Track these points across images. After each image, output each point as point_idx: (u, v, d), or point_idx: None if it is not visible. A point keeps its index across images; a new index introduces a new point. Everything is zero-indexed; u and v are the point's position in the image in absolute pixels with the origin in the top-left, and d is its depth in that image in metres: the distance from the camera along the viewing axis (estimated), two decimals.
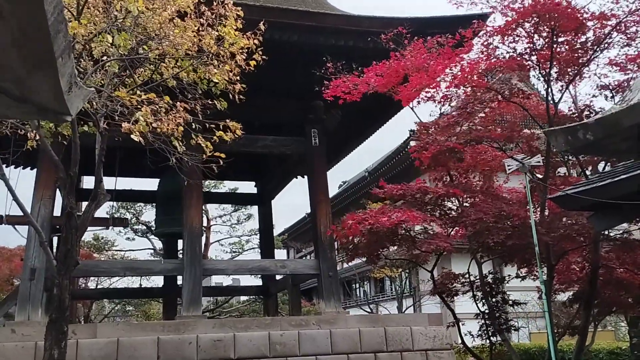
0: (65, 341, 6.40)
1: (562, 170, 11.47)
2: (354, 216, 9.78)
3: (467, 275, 11.73)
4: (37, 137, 6.14)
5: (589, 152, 7.49)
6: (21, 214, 7.53)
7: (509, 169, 8.17)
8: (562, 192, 6.19)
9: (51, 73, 2.37)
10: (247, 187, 30.30)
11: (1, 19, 2.04)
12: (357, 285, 33.68)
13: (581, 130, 5.16)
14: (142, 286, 24.20)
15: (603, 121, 5.07)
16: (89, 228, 17.03)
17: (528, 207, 8.09)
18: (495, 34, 8.64)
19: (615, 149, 5.69)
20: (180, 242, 16.64)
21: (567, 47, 8.77)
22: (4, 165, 7.92)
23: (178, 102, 6.65)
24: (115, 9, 5.88)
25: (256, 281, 25.24)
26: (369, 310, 26.48)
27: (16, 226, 11.04)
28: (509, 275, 12.16)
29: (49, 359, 6.31)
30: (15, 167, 13.09)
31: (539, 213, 9.80)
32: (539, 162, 8.05)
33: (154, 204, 21.23)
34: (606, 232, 10.12)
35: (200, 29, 6.75)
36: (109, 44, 6.12)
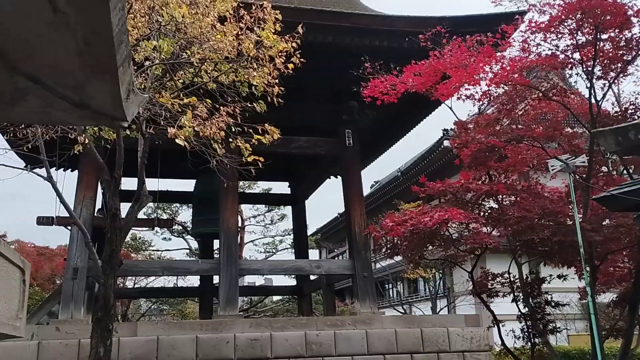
0: (111, 339, 6.56)
1: (604, 169, 11.22)
2: (393, 217, 9.74)
3: (505, 276, 11.57)
4: (86, 141, 6.31)
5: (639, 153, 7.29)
6: (68, 215, 7.76)
7: (553, 169, 8.05)
8: (606, 192, 6.06)
9: (111, 81, 2.44)
10: (281, 187, 30.50)
11: (68, 29, 2.12)
12: (390, 286, 33.52)
13: (632, 130, 5.02)
14: (178, 285, 24.61)
15: None
16: (133, 228, 17.43)
17: (571, 206, 7.93)
18: (538, 30, 8.50)
19: None
20: (215, 242, 16.87)
21: (610, 43, 8.59)
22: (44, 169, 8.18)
23: (220, 106, 6.75)
24: (160, 15, 5.99)
25: (289, 281, 25.38)
26: (402, 310, 26.33)
27: (63, 227, 11.41)
28: (550, 275, 11.94)
29: (95, 356, 6.47)
30: (56, 169, 13.46)
31: (582, 213, 9.63)
32: (583, 162, 7.90)
33: (189, 205, 21.55)
34: None
35: (240, 32, 6.84)
36: (152, 49, 6.25)
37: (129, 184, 12.41)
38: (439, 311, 23.63)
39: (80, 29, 2.09)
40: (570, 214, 8.66)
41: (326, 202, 37.70)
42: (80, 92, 2.60)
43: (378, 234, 10.59)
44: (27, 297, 2.46)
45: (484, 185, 9.90)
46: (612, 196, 5.66)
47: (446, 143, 21.33)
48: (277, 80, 7.10)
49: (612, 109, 10.34)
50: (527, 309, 11.21)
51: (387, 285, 33.75)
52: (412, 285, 31.55)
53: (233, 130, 7.04)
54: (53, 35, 2.16)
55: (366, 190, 32.41)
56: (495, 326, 11.46)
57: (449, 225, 9.44)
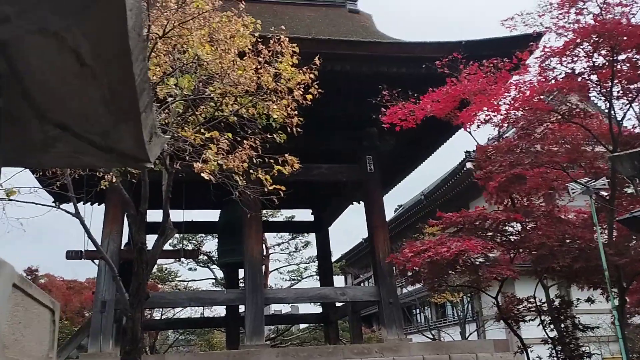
0: None
1: (629, 189, 11.03)
2: (413, 247, 9.70)
3: (532, 300, 11.36)
4: (113, 179, 6.48)
5: None
6: (95, 249, 7.92)
7: (573, 193, 7.97)
8: (629, 214, 5.99)
9: (135, 126, 2.56)
10: (304, 214, 30.61)
11: (94, 81, 2.25)
12: (418, 311, 33.10)
13: None
14: (205, 316, 24.65)
15: None
16: (159, 260, 17.58)
17: (594, 229, 7.80)
18: (553, 54, 8.51)
19: None
20: (241, 272, 16.94)
21: (628, 64, 8.55)
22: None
23: (244, 140, 6.88)
24: (181, 53, 6.18)
25: (315, 309, 25.22)
26: (430, 336, 25.93)
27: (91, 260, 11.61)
28: (578, 298, 11.72)
29: None
30: (84, 204, 13.74)
31: (606, 235, 9.46)
32: (604, 184, 7.80)
33: (214, 235, 21.71)
34: None
35: (258, 66, 7.00)
36: (174, 86, 6.43)
37: (154, 216, 12.60)
38: (469, 336, 23.22)
39: (105, 80, 2.21)
40: (591, 237, 8.50)
41: (350, 228, 37.65)
42: (107, 138, 2.73)
43: (399, 261, 10.54)
44: (57, 336, 2.53)
45: (501, 213, 9.81)
46: (635, 218, 5.59)
47: (469, 165, 21.19)
48: (296, 112, 7.21)
49: (634, 128, 10.20)
50: (555, 333, 10.97)
51: (414, 311, 33.33)
52: (440, 309, 31.10)
53: (254, 161, 7.15)
54: (80, 87, 2.29)
55: (390, 214, 32.37)
56: (524, 352, 11.20)
57: (467, 255, 9.33)
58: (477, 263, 10.05)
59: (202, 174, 6.08)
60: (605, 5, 8.40)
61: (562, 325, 11.00)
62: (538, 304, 11.24)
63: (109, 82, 2.22)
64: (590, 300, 11.18)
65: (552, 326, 11.08)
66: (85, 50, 2.01)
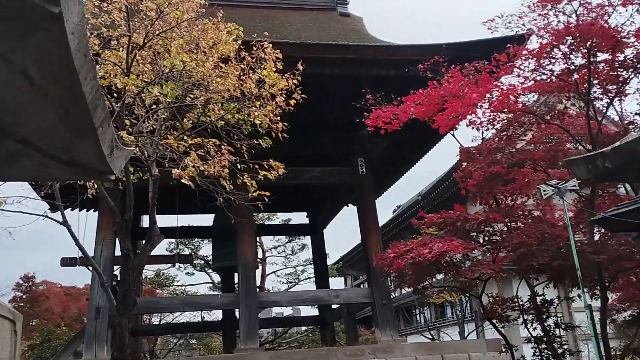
0: None
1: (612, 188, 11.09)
2: (396, 248, 9.76)
3: (521, 299, 11.40)
4: (95, 185, 6.56)
5: (610, 179, 7.42)
6: (92, 255, 7.99)
7: (545, 195, 8.04)
8: (602, 214, 6.06)
9: (94, 141, 2.65)
10: (300, 217, 30.63)
11: (46, 99, 2.34)
12: (417, 311, 33.16)
13: (600, 159, 5.10)
14: (204, 319, 24.72)
15: (620, 150, 5.00)
16: (155, 265, 17.56)
17: (576, 229, 7.86)
18: (530, 57, 8.60)
19: (637, 176, 5.60)
20: (236, 275, 17.02)
21: (605, 65, 8.63)
22: (69, 210, 8.49)
23: (223, 146, 6.95)
24: (164, 62, 6.27)
25: (314, 311, 25.29)
26: (429, 336, 25.98)
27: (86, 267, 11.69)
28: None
29: None
30: (80, 210, 13.82)
31: (589, 234, 9.53)
32: (575, 186, 7.89)
33: (210, 239, 21.80)
34: None
35: (242, 73, 7.07)
36: (158, 93, 6.51)
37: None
38: (468, 335, 23.28)
39: (56, 98, 2.30)
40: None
41: (350, 230, 37.73)
42: (68, 152, 2.82)
43: (384, 263, 10.61)
44: (20, 346, 2.61)
45: (481, 214, 9.88)
46: (606, 218, 5.66)
47: (465, 165, 21.23)
48: (279, 117, 7.28)
49: (616, 127, 10.29)
50: (539, 332, 10.99)
51: (414, 311, 33.39)
52: (439, 309, 31.15)
53: (239, 167, 7.22)
54: (35, 104, 2.38)
55: (389, 215, 32.44)
56: (509, 351, 11.23)
57: (449, 256, 9.37)
58: (460, 264, 10.11)
59: (182, 180, 6.16)
60: (585, 4, 8.47)
61: (546, 324, 11.05)
62: (522, 303, 11.29)
63: (60, 100, 2.31)
64: (569, 299, 11.27)
65: (536, 325, 11.12)
66: (33, 71, 2.09)
